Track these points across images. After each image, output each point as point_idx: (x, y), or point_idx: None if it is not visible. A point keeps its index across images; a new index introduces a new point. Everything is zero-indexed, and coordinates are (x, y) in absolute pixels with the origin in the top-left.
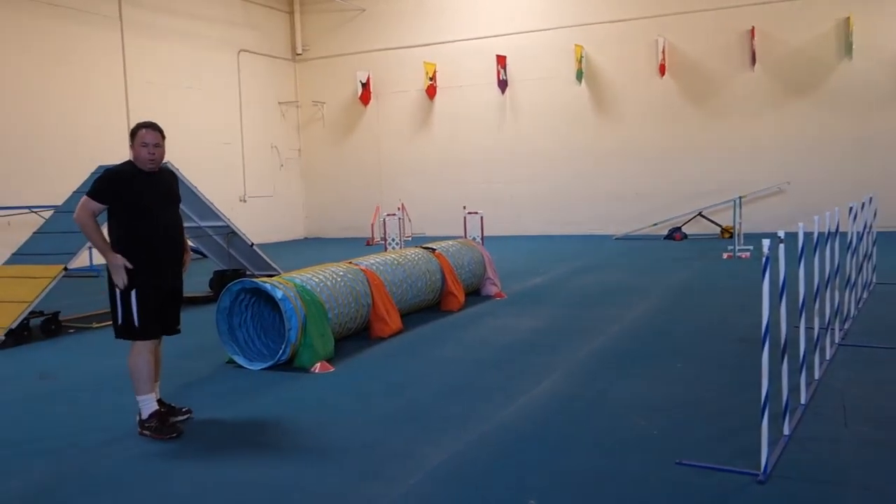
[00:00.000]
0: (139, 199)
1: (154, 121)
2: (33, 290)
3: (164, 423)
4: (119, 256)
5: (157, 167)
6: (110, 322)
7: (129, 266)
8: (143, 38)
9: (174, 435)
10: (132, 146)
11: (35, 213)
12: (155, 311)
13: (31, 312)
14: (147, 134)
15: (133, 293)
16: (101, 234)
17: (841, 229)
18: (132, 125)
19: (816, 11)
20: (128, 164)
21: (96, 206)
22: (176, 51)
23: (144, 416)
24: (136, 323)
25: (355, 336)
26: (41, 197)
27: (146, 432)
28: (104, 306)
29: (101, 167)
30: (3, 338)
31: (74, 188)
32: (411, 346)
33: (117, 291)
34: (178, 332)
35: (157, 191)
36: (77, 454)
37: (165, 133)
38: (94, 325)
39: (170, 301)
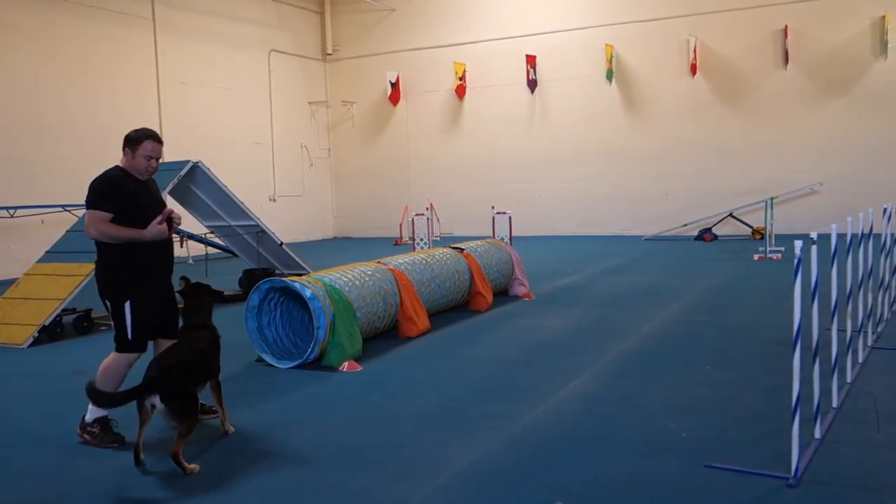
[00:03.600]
0: (135, 206)
1: (184, 119)
2: (66, 288)
3: (107, 431)
4: (152, 224)
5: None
6: None
7: (169, 219)
8: (175, 38)
9: (115, 445)
10: (131, 152)
11: (68, 211)
12: (151, 322)
13: (64, 310)
14: (153, 146)
15: (128, 304)
16: (123, 227)
17: (875, 231)
18: (163, 125)
19: (851, 10)
20: (117, 170)
21: (105, 214)
22: (207, 51)
23: (89, 419)
24: (130, 335)
25: (383, 336)
26: (74, 195)
27: (86, 436)
28: None
29: None
30: (36, 334)
31: None
32: (439, 346)
33: (109, 304)
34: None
35: (149, 196)
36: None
37: (197, 132)
38: None
39: (167, 307)
